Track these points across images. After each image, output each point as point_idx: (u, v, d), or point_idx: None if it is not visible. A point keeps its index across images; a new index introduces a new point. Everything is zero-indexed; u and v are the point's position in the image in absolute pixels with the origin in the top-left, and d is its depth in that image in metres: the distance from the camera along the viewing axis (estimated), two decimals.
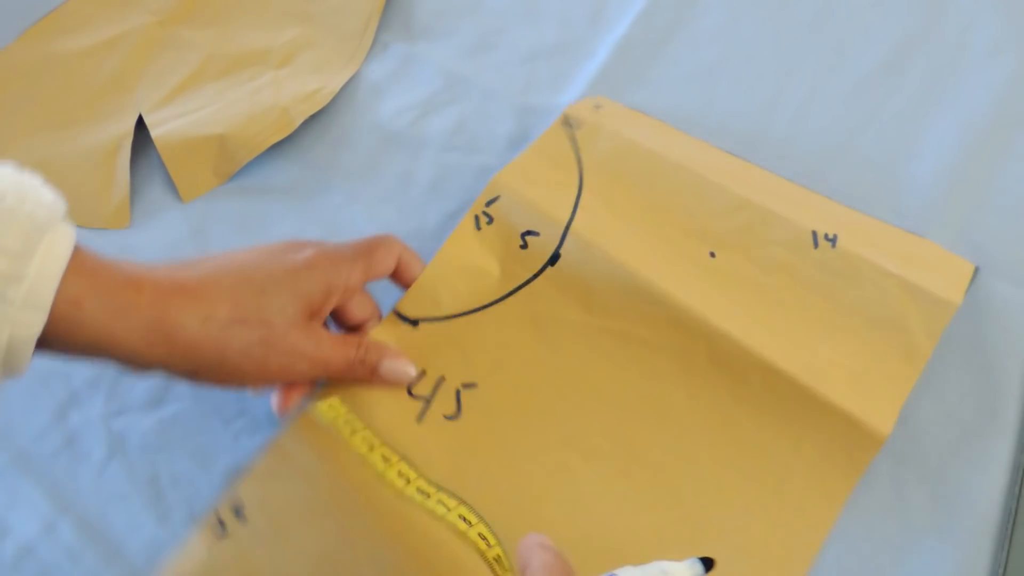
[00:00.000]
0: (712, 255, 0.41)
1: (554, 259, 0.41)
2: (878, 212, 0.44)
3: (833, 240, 0.40)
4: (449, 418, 0.38)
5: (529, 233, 0.42)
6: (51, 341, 0.30)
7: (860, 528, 0.36)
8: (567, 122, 0.47)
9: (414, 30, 0.55)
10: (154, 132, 0.49)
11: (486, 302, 0.41)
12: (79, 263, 0.30)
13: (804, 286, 0.39)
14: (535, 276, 0.41)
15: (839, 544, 0.35)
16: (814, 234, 0.40)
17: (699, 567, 0.27)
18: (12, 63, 0.53)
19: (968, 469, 0.37)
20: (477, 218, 0.43)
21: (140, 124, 0.50)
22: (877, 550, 0.35)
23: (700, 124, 0.48)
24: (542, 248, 0.42)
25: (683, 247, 0.41)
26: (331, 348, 0.36)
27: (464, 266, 0.42)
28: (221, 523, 0.35)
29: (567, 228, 0.41)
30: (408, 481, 0.36)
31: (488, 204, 0.43)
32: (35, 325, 0.29)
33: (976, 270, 0.40)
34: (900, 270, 0.39)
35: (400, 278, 0.40)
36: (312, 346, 0.35)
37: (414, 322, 0.40)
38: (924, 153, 0.46)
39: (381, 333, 0.40)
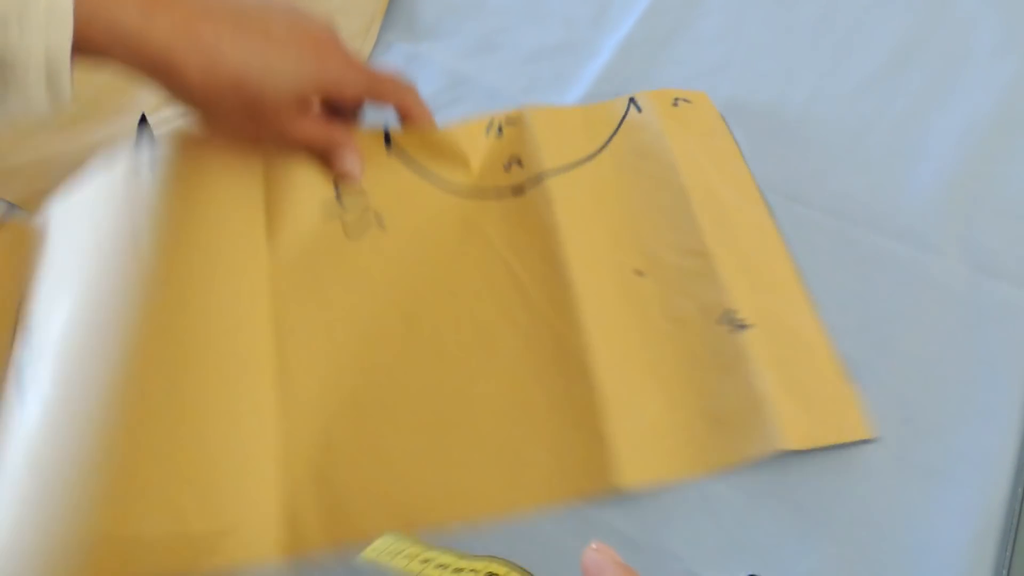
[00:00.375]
0: (639, 274, 0.42)
1: (518, 191, 0.44)
2: (882, 211, 0.45)
3: (739, 326, 0.39)
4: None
5: (519, 162, 0.45)
6: (85, 48, 0.31)
7: (860, 526, 0.36)
8: (632, 102, 0.48)
9: (417, 30, 0.55)
10: (158, 132, 0.48)
11: (450, 189, 0.45)
12: None
13: (684, 347, 0.40)
14: (497, 197, 0.45)
15: (839, 542, 0.36)
16: (726, 312, 0.40)
17: None
18: None
19: (970, 469, 0.37)
20: (491, 123, 0.46)
21: (143, 123, 0.50)
22: (879, 548, 0.35)
23: None
24: (518, 178, 0.45)
25: (623, 254, 0.43)
26: (310, 130, 0.39)
27: (456, 148, 0.45)
28: None
29: (548, 176, 0.44)
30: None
31: (508, 120, 0.46)
32: (65, 35, 0.30)
33: (872, 440, 0.38)
34: (773, 389, 0.37)
35: (408, 118, 0.43)
36: (294, 125, 0.38)
37: (389, 143, 0.44)
38: (926, 154, 0.47)
39: (362, 136, 0.43)
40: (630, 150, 0.46)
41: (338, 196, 0.43)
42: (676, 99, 0.48)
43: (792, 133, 0.48)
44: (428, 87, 0.52)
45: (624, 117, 0.47)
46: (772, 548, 0.36)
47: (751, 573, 0.28)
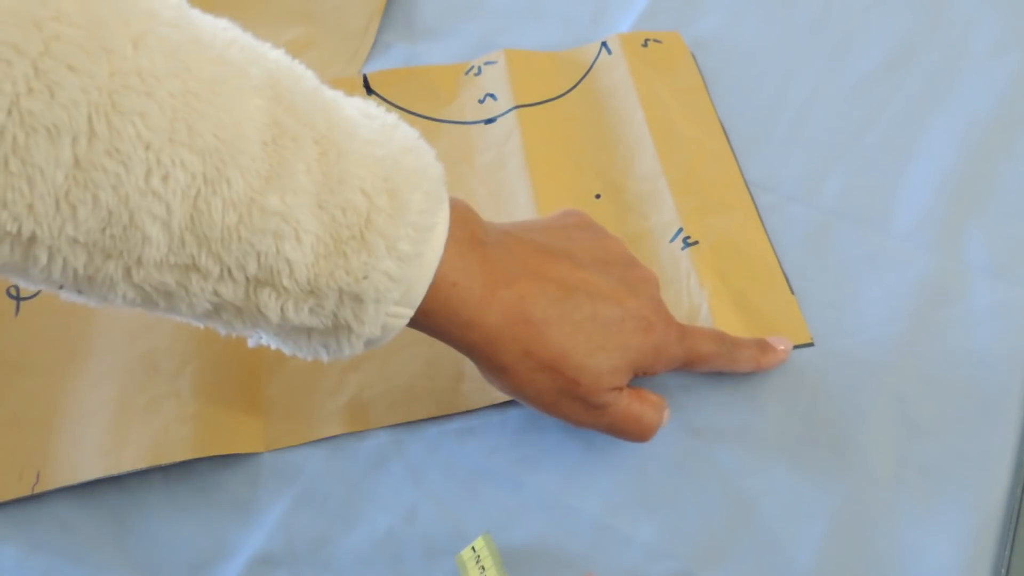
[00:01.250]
0: (598, 197, 0.46)
1: (490, 121, 0.49)
2: (880, 211, 0.45)
3: (688, 243, 0.43)
4: None
5: (493, 96, 0.49)
6: (424, 318, 0.31)
7: (861, 525, 0.36)
8: (604, 46, 0.51)
9: (416, 30, 0.55)
10: None
11: (427, 114, 0.50)
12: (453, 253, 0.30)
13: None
14: (470, 123, 0.49)
15: (839, 540, 0.36)
16: (679, 231, 0.43)
17: None
18: None
19: (970, 468, 0.37)
20: (472, 67, 0.51)
21: None
22: (878, 548, 0.35)
23: None
24: (492, 111, 0.49)
25: (584, 180, 0.46)
26: (640, 408, 0.36)
27: (432, 86, 0.51)
28: None
29: (518, 108, 0.48)
30: None
31: (486, 63, 0.51)
32: (400, 325, 0.30)
33: (810, 344, 0.41)
34: (713, 297, 0.41)
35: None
36: (610, 407, 0.35)
37: (368, 88, 0.50)
38: (925, 153, 0.47)
39: (341, 83, 0.48)
40: (598, 89, 0.50)
41: None
42: (647, 40, 0.52)
43: (791, 133, 0.48)
44: None
45: (595, 60, 0.50)
46: (769, 543, 0.36)
47: None
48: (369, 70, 0.53)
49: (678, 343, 0.36)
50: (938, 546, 0.35)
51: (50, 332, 0.42)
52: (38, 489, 0.38)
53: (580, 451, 0.38)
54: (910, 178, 0.46)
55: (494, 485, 0.38)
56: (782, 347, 0.39)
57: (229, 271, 0.27)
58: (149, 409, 0.39)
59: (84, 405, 0.40)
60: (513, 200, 0.45)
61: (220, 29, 0.27)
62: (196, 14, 0.27)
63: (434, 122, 0.49)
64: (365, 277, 0.28)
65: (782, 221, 0.45)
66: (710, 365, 0.38)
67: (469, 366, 0.41)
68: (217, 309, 0.28)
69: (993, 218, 0.44)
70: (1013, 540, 0.35)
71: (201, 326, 0.31)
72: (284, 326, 0.29)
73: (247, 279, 0.27)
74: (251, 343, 0.32)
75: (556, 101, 0.49)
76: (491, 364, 0.33)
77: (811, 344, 0.41)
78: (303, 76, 0.29)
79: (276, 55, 0.29)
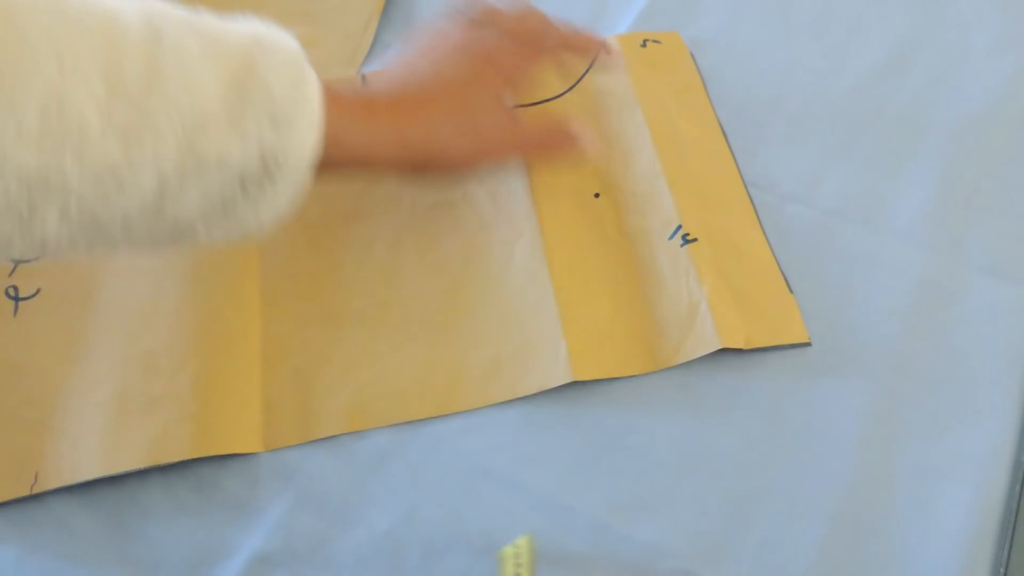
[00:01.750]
0: (597, 196, 0.46)
1: None
2: (880, 210, 0.45)
3: (687, 240, 0.43)
4: None
5: None
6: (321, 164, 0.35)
7: (860, 525, 0.36)
8: (603, 47, 0.50)
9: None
10: None
11: None
12: (330, 94, 0.35)
13: (635, 258, 0.43)
14: None
15: (838, 540, 0.36)
16: (678, 228, 0.43)
17: None
18: None
19: (968, 467, 0.37)
20: None
21: None
22: (877, 548, 0.36)
23: None
24: None
25: (583, 179, 0.46)
26: (533, 129, 0.43)
27: None
28: None
29: (515, 108, 0.46)
30: None
31: None
32: (312, 146, 0.34)
33: (808, 344, 0.41)
34: (712, 295, 0.41)
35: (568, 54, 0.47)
36: (517, 129, 0.42)
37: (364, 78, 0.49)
38: (924, 153, 0.47)
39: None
40: (596, 90, 0.49)
41: None
42: (645, 40, 0.52)
43: (789, 132, 0.48)
44: None
45: (594, 61, 0.50)
46: (769, 543, 0.36)
47: None
48: (368, 70, 0.53)
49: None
50: (937, 545, 0.35)
51: (48, 332, 0.42)
52: (36, 489, 0.38)
53: (580, 451, 0.38)
54: (909, 178, 0.46)
55: (494, 485, 0.38)
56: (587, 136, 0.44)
57: (159, 131, 0.30)
58: (148, 409, 0.39)
59: (83, 405, 0.40)
60: (512, 200, 0.45)
61: None
62: None
63: None
64: (269, 96, 0.32)
65: (781, 221, 0.45)
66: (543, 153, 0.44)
67: (467, 368, 0.41)
68: (162, 184, 0.31)
69: (992, 218, 0.44)
70: (1012, 539, 0.35)
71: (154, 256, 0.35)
72: (224, 177, 0.32)
73: (177, 132, 0.31)
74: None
75: (555, 101, 0.49)
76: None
77: (808, 344, 0.41)
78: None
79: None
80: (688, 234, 0.43)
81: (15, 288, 0.44)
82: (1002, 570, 0.35)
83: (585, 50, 0.47)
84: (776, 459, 0.38)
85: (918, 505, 0.36)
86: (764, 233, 0.44)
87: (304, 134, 0.34)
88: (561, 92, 0.49)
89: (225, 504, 0.38)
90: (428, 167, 0.40)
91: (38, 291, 0.43)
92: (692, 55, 0.51)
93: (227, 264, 0.43)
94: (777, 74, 0.51)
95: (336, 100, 0.36)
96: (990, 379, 0.39)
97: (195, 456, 0.38)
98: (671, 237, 0.43)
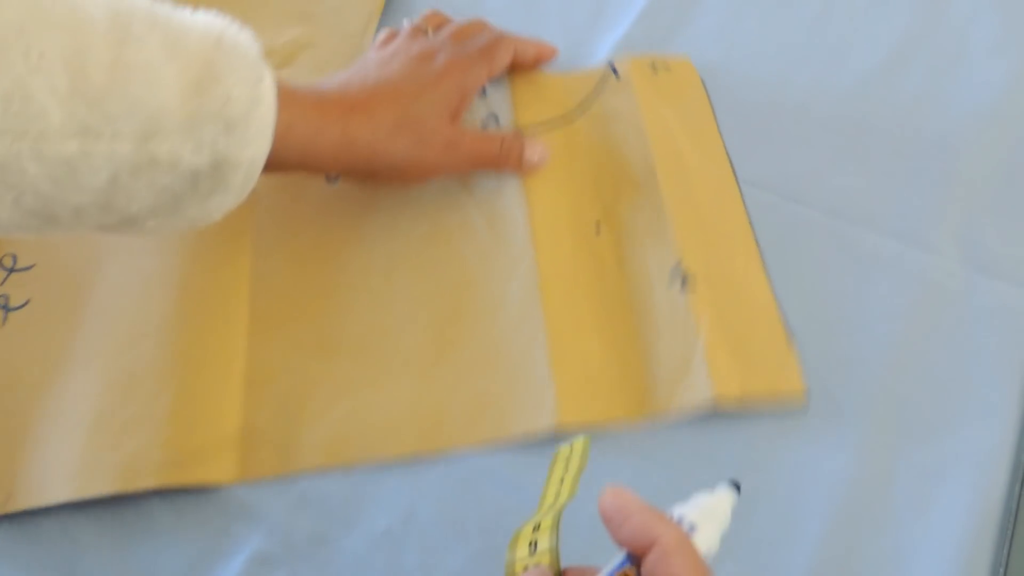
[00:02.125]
0: (597, 226, 0.44)
1: None
2: (880, 210, 0.45)
3: (686, 281, 0.41)
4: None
5: (495, 118, 0.48)
6: (270, 161, 0.36)
7: (860, 524, 0.36)
8: (612, 68, 0.49)
9: None
10: None
11: None
12: (283, 94, 0.36)
13: (630, 299, 0.42)
14: None
15: (838, 539, 0.36)
16: (675, 266, 0.41)
17: (733, 492, 0.28)
18: None
19: (967, 468, 0.37)
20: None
21: None
22: (877, 548, 0.36)
23: None
24: (492, 133, 0.47)
25: (584, 209, 0.45)
26: (478, 141, 0.44)
27: None
28: None
29: (520, 131, 0.47)
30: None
31: (491, 83, 0.49)
32: (265, 148, 0.35)
33: (806, 391, 0.39)
34: (709, 342, 0.39)
35: (520, 65, 0.48)
36: (461, 140, 0.43)
37: None
38: (924, 152, 0.47)
39: None
40: (602, 114, 0.48)
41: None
42: (656, 65, 0.50)
43: (790, 131, 0.48)
44: None
45: (601, 82, 0.49)
46: (767, 544, 0.36)
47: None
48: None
49: (445, 152, 0.42)
50: (936, 546, 0.35)
51: (34, 344, 0.42)
52: (8, 508, 0.37)
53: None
54: (910, 178, 0.46)
55: (494, 485, 0.38)
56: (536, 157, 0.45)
57: (118, 130, 0.31)
58: (122, 432, 0.38)
59: (60, 424, 0.39)
60: (510, 230, 0.44)
61: None
62: None
63: None
64: (226, 99, 0.33)
65: (781, 220, 0.45)
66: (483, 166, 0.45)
67: (453, 405, 0.40)
68: (115, 180, 0.32)
69: (992, 218, 0.44)
70: (1011, 540, 0.35)
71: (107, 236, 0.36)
72: (175, 176, 0.33)
73: (134, 133, 0.31)
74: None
75: (559, 124, 0.48)
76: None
77: (804, 402, 0.39)
78: None
79: None
80: (687, 273, 0.41)
81: (6, 297, 0.43)
82: (1002, 570, 0.35)
83: (537, 59, 0.49)
84: (775, 459, 0.38)
85: (918, 505, 0.36)
86: (767, 273, 0.42)
87: (257, 140, 0.34)
88: (564, 114, 0.48)
89: (225, 504, 0.38)
90: (373, 169, 0.41)
91: (27, 302, 0.43)
92: (703, 82, 0.50)
93: (217, 284, 0.43)
94: (778, 73, 0.51)
95: (290, 101, 0.36)
96: (989, 380, 0.39)
97: (165, 485, 0.37)
98: (670, 278, 0.41)
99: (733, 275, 0.42)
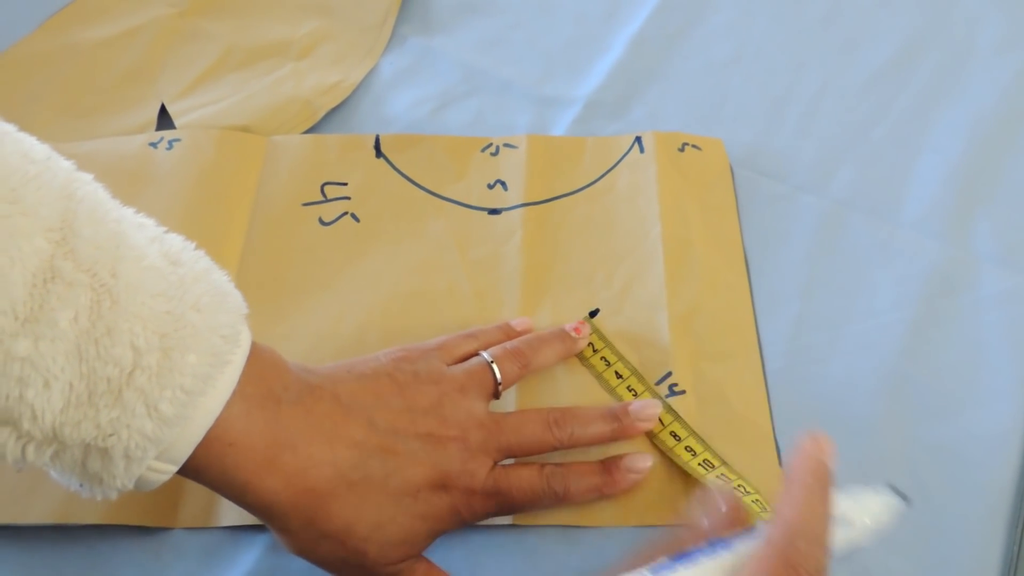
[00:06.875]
0: (592, 315, 0.41)
1: (494, 212, 0.45)
2: (889, 201, 0.45)
3: (672, 391, 0.38)
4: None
5: (503, 183, 0.46)
6: (192, 473, 0.29)
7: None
8: (638, 141, 0.47)
9: (432, 24, 0.56)
10: (178, 121, 0.49)
11: (431, 192, 0.46)
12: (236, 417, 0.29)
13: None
14: (473, 208, 0.45)
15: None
16: (668, 375, 0.39)
17: (895, 499, 0.27)
18: (33, 52, 0.54)
19: (979, 451, 0.37)
20: (491, 144, 0.48)
21: (162, 113, 0.50)
22: (884, 546, 0.36)
23: (713, 117, 0.49)
24: (498, 200, 0.46)
25: (582, 296, 0.42)
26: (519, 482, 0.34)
27: (443, 160, 0.47)
28: None
29: (527, 206, 0.45)
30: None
31: (506, 144, 0.48)
32: (166, 474, 0.29)
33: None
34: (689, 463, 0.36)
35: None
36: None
37: (378, 150, 0.47)
38: (932, 147, 0.48)
39: (353, 141, 0.48)
40: (618, 188, 0.45)
41: (323, 195, 0.46)
42: (684, 144, 0.47)
43: (802, 124, 0.49)
44: (443, 80, 0.52)
45: (624, 156, 0.47)
46: None
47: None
48: (385, 63, 0.53)
49: (484, 501, 0.34)
50: (949, 528, 0.36)
51: None
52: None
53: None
54: (918, 169, 0.47)
55: None
56: (632, 475, 0.35)
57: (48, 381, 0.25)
58: None
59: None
60: (500, 309, 0.41)
61: (27, 160, 0.26)
62: (8, 138, 0.26)
63: (436, 198, 0.46)
64: (112, 434, 0.26)
65: (794, 210, 0.45)
66: (537, 507, 0.35)
67: None
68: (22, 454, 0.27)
69: (1000, 208, 0.45)
70: (1021, 538, 0.35)
71: None
72: (25, 465, 0.27)
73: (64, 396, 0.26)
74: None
75: (572, 197, 0.45)
76: (272, 526, 0.31)
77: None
78: (109, 219, 0.28)
79: (88, 190, 0.28)
80: (676, 384, 0.39)
81: None
82: (1015, 549, 0.35)
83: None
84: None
85: (927, 490, 0.36)
86: (766, 388, 0.39)
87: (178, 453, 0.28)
88: (582, 187, 0.46)
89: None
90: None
91: None
92: (731, 168, 0.47)
93: None
94: (789, 67, 0.52)
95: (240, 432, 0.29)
96: (998, 365, 0.40)
97: (104, 523, 0.35)
98: (659, 383, 0.39)
99: (726, 387, 0.39)
